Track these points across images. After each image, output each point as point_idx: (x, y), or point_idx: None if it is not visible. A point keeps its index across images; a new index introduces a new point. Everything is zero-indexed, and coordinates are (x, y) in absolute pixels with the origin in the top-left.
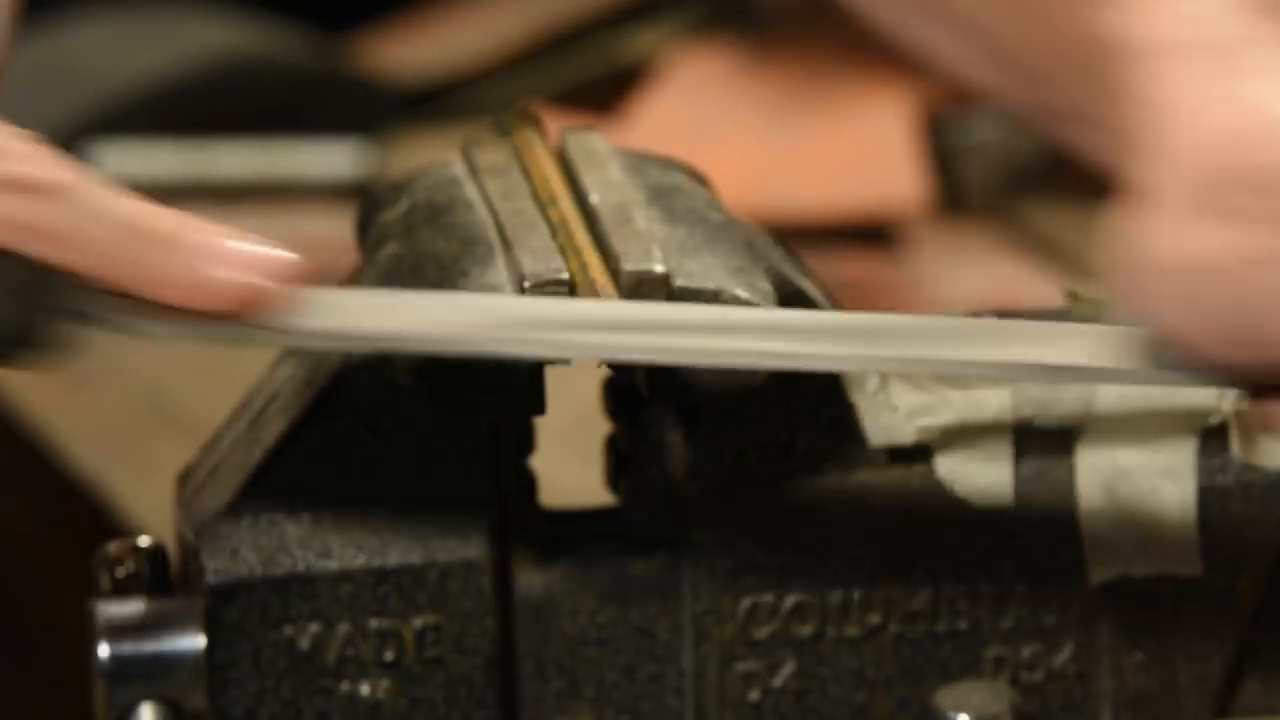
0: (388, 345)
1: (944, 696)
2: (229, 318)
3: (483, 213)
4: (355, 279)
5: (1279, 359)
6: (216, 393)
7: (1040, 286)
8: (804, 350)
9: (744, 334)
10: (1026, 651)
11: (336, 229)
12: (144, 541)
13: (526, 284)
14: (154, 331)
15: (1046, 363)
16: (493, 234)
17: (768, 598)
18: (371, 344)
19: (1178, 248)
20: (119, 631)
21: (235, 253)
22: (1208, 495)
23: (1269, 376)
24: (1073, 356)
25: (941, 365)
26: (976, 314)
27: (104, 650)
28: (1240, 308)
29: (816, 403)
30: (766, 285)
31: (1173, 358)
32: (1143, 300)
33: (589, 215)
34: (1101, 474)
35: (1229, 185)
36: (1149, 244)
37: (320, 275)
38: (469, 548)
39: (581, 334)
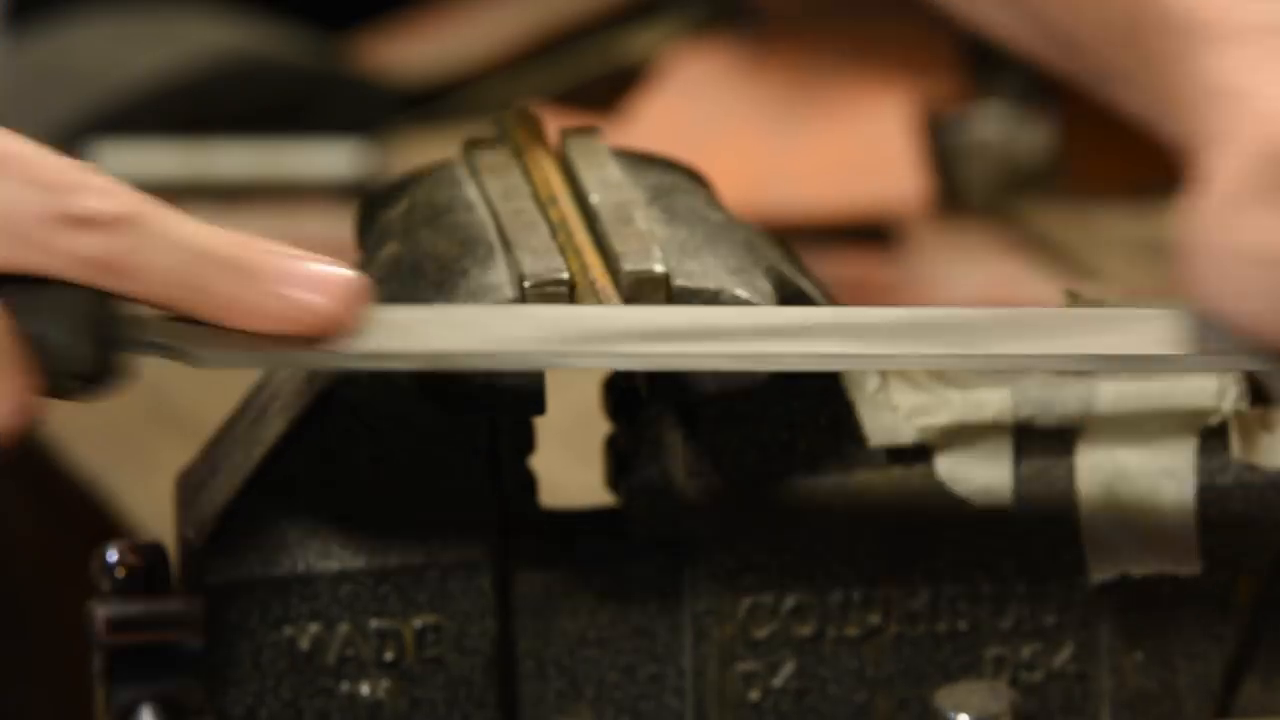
0: (450, 363)
1: (944, 696)
2: (301, 342)
3: (483, 213)
4: None
5: None
6: (216, 393)
7: (1040, 286)
8: (870, 351)
9: (801, 337)
10: (1026, 651)
11: (336, 229)
12: (144, 541)
13: (526, 284)
14: (226, 361)
15: (1111, 352)
16: (493, 234)
17: (768, 598)
18: (435, 363)
19: (1237, 234)
20: (119, 631)
21: (309, 275)
22: (1208, 495)
23: None
24: (1139, 345)
25: (1001, 360)
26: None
27: (104, 650)
28: None
29: (816, 403)
30: (766, 285)
31: (1230, 343)
32: (1202, 285)
33: (589, 215)
34: (1101, 474)
35: None
36: (1210, 229)
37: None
38: (469, 548)
39: (639, 345)
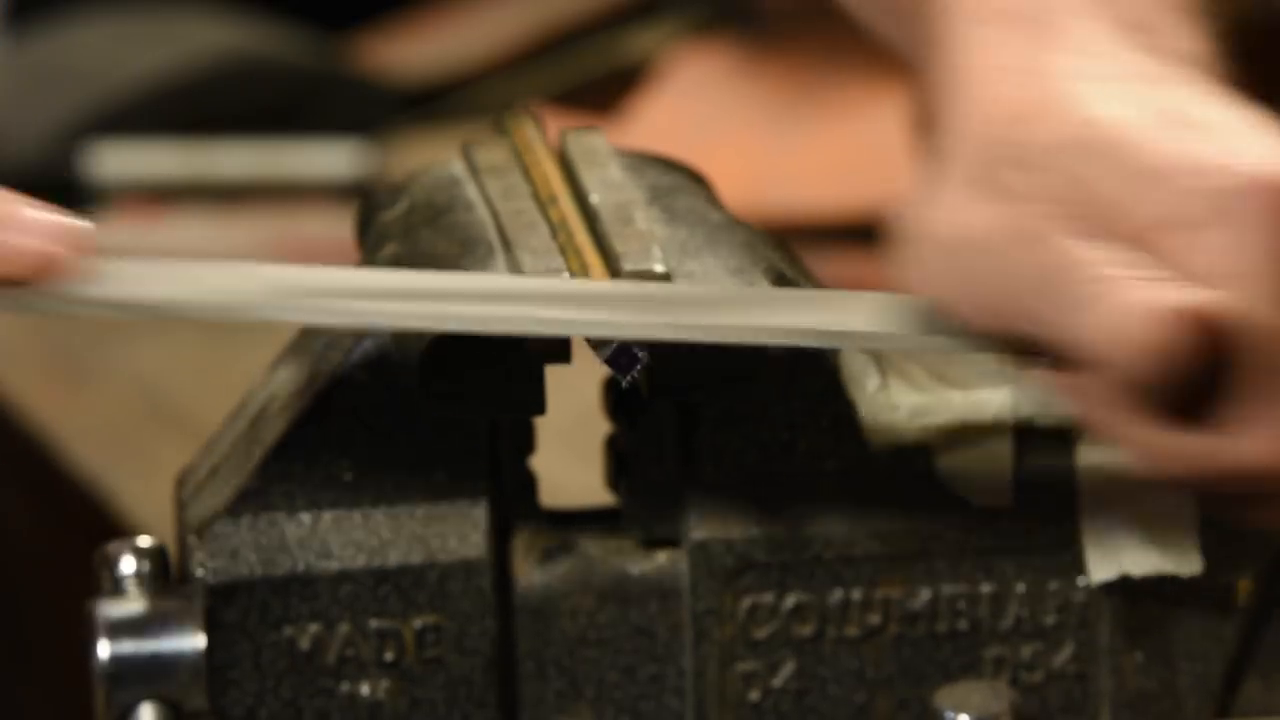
0: (170, 312)
1: (944, 696)
2: (22, 284)
3: (483, 213)
4: None
5: (1037, 330)
6: (216, 393)
7: None
8: (578, 318)
9: (526, 302)
10: (1026, 651)
11: (336, 229)
12: (144, 541)
13: None
14: None
15: (821, 328)
16: (493, 234)
17: (768, 598)
18: (156, 312)
19: (950, 220)
20: (119, 631)
21: (32, 220)
22: (1209, 501)
23: (1030, 345)
24: (849, 323)
25: (719, 332)
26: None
27: (104, 650)
28: (1003, 284)
29: (816, 403)
30: (767, 285)
31: (945, 326)
32: (917, 270)
33: (589, 215)
34: (1101, 474)
35: (1002, 160)
36: (927, 215)
37: (104, 244)
38: (469, 548)
39: (358, 301)
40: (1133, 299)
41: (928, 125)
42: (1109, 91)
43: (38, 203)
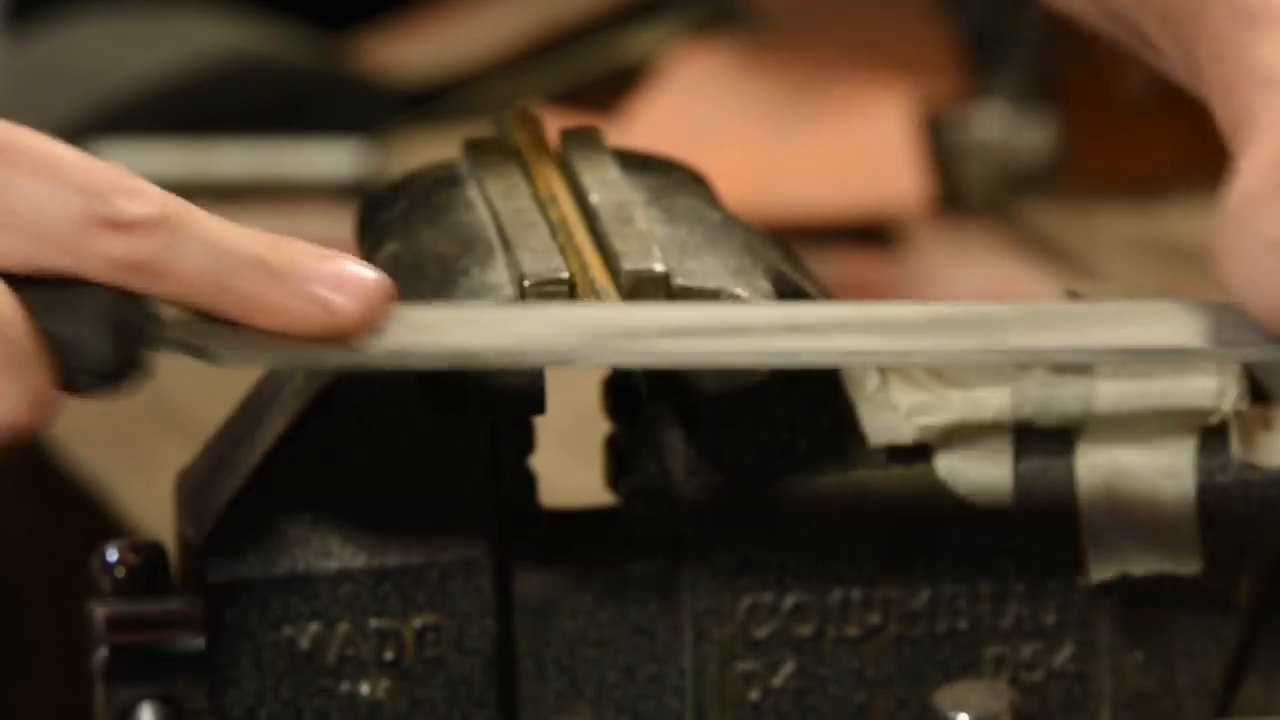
0: (471, 362)
1: (944, 696)
2: (324, 342)
3: (483, 213)
4: None
5: None
6: (216, 393)
7: (1040, 286)
8: (882, 346)
9: (815, 333)
10: (1026, 651)
11: (336, 229)
12: (144, 541)
13: (526, 283)
14: (247, 359)
15: (1141, 345)
16: (493, 234)
17: (768, 598)
18: (455, 361)
19: (1260, 225)
20: (119, 631)
21: (335, 276)
22: (1208, 495)
23: None
24: (1173, 337)
25: (1036, 355)
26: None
27: (104, 650)
28: None
29: (816, 403)
30: (766, 285)
31: (1251, 335)
32: (1226, 277)
33: (589, 215)
34: (1101, 474)
35: None
36: (1234, 220)
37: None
38: (469, 548)
39: (665, 341)
40: None
41: (1236, 136)
42: None
43: (345, 255)
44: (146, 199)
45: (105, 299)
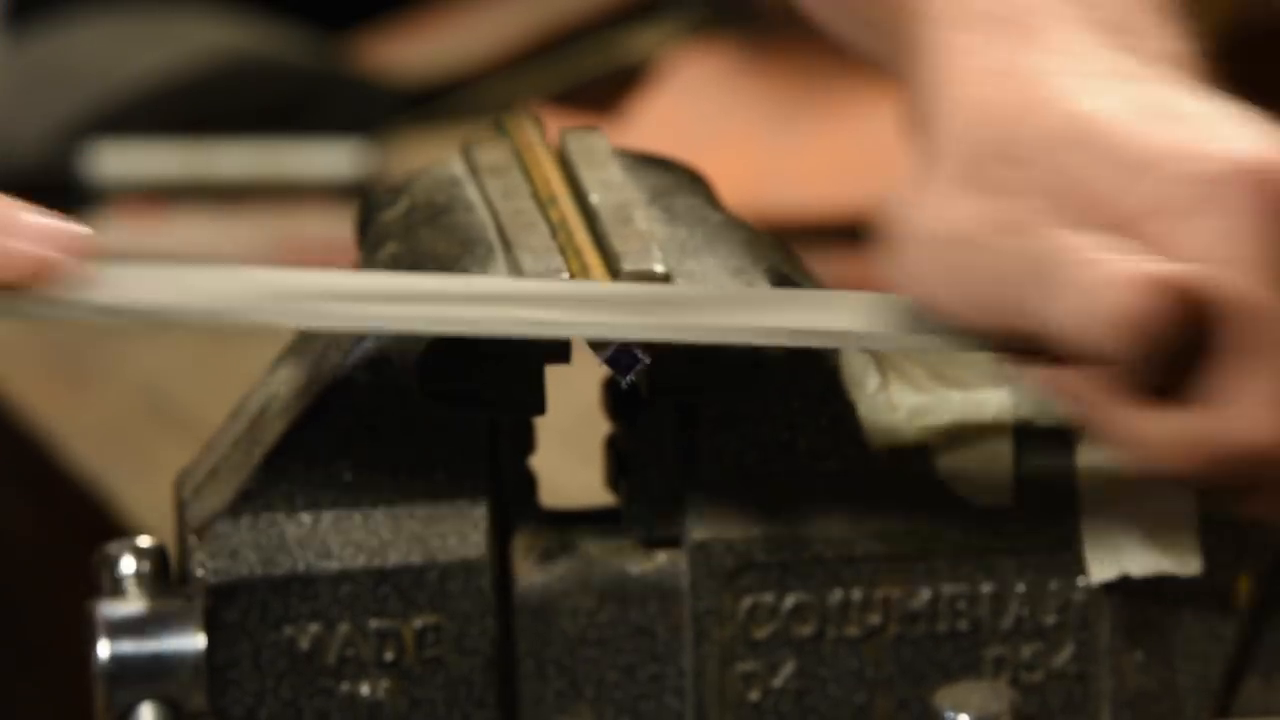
0: (166, 318)
1: (944, 696)
2: (17, 290)
3: (483, 213)
4: None
5: (1028, 326)
6: (216, 393)
7: None
8: (574, 320)
9: (519, 304)
10: (1027, 652)
11: (336, 229)
12: (144, 541)
13: None
14: None
15: (813, 328)
16: (493, 234)
17: (768, 598)
18: (151, 317)
19: (938, 217)
20: (119, 631)
21: (27, 224)
22: (1208, 495)
23: (1022, 341)
24: (842, 322)
25: (713, 332)
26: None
27: (104, 650)
28: (992, 277)
29: (816, 403)
30: (766, 285)
31: (934, 324)
32: (905, 268)
33: (589, 215)
34: (1101, 474)
35: (988, 157)
36: (914, 214)
37: (102, 249)
38: (469, 548)
39: (354, 305)
40: (1111, 272)
41: (912, 130)
42: (1091, 87)
43: (34, 207)
44: None
45: None
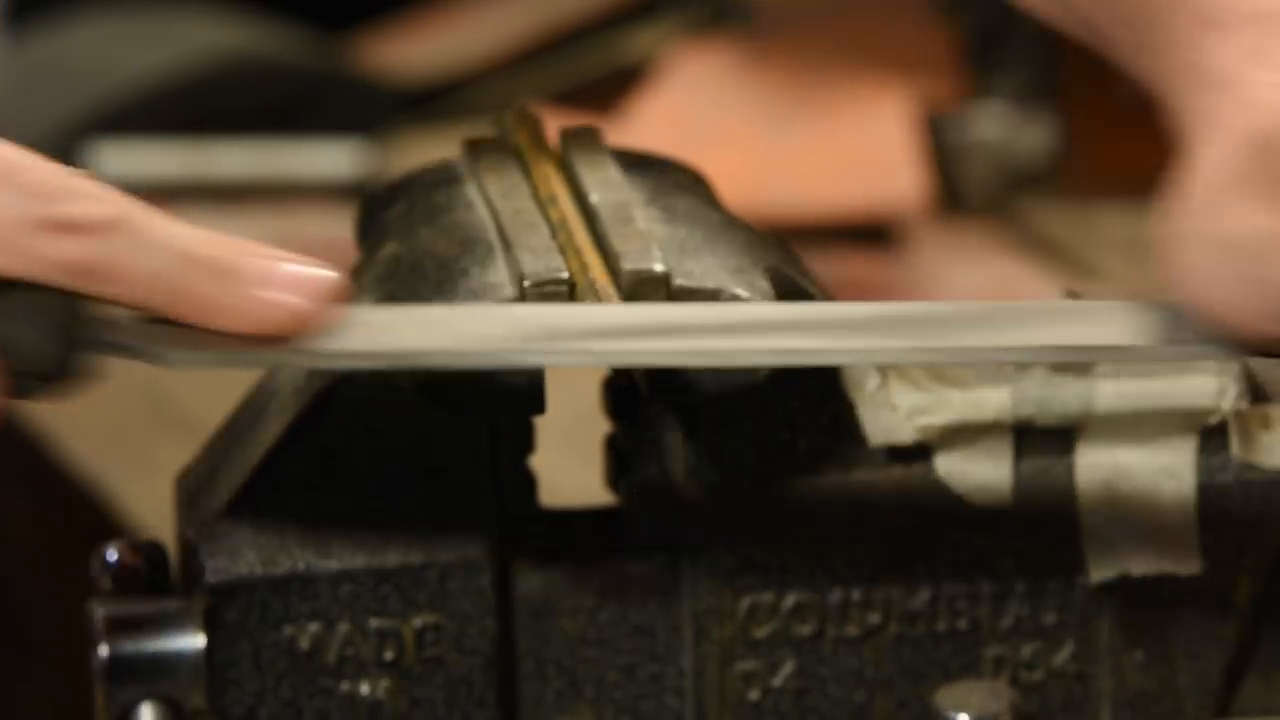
0: (418, 362)
1: (944, 696)
2: (274, 342)
3: (483, 212)
4: (355, 278)
5: None
6: (216, 393)
7: (1040, 286)
8: (822, 346)
9: (759, 332)
10: (1026, 651)
11: (336, 229)
12: (144, 541)
13: (526, 283)
14: (197, 361)
15: (1070, 343)
16: (493, 234)
17: (768, 597)
18: (403, 362)
19: (1213, 223)
20: (119, 631)
21: (284, 275)
22: (1208, 494)
23: None
24: (1101, 336)
25: (970, 354)
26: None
27: (104, 650)
28: (1276, 287)
29: (816, 403)
30: (766, 285)
31: (1204, 334)
32: (1179, 276)
33: (589, 215)
34: (1101, 473)
35: (1278, 167)
36: (1188, 218)
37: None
38: (469, 548)
39: (608, 341)
40: None
41: (1185, 130)
42: None
43: (288, 255)
44: (98, 201)
45: (51, 301)
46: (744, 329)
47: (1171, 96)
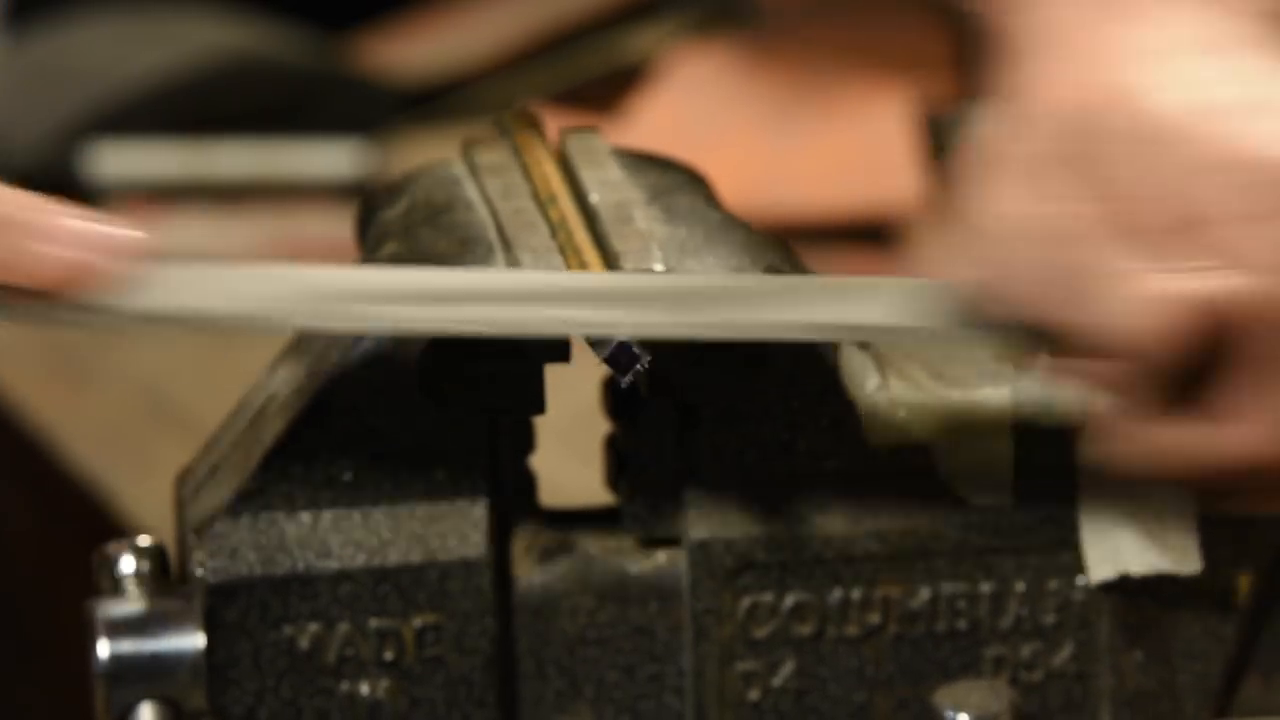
0: (213, 325)
1: (944, 696)
2: (61, 296)
3: (483, 212)
4: None
5: (1063, 319)
6: (216, 393)
7: None
8: (612, 319)
9: (548, 302)
10: (1026, 651)
11: (336, 229)
12: (144, 541)
13: None
14: None
15: (842, 321)
16: (492, 233)
17: (768, 597)
18: (199, 324)
19: (1006, 211)
20: (119, 631)
21: (67, 229)
22: (1204, 495)
23: (1052, 336)
24: (870, 315)
25: (734, 329)
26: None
27: (104, 650)
28: (1039, 279)
29: (816, 403)
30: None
31: (980, 315)
32: (965, 254)
33: (589, 214)
34: (1101, 474)
35: (1061, 156)
36: (986, 203)
37: (159, 251)
38: (468, 547)
39: (396, 306)
40: (1152, 290)
41: (997, 91)
42: (1178, 72)
43: (78, 210)
44: None
45: None
46: (533, 297)
47: (1006, 64)
